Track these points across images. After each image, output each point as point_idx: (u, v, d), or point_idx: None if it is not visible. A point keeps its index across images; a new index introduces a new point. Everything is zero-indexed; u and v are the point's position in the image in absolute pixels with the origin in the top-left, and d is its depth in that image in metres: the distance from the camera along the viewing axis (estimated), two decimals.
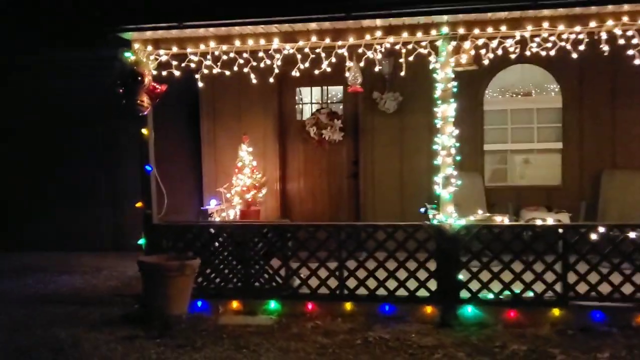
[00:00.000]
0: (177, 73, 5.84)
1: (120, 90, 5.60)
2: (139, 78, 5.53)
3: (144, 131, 5.86)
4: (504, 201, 7.50)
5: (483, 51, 5.67)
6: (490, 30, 5.33)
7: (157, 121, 8.57)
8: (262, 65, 5.87)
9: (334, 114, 8.20)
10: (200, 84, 5.91)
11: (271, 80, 5.97)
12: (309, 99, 8.55)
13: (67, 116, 8.96)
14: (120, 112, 8.74)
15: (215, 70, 5.88)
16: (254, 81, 6.05)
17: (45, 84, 8.97)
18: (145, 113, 5.73)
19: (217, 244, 5.86)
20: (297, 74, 5.80)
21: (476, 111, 7.84)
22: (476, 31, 5.35)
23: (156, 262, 5.57)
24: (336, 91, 8.42)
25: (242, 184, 7.57)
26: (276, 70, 5.84)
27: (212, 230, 5.96)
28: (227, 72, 5.97)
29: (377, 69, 6.07)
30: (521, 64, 7.50)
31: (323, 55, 5.67)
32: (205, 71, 5.85)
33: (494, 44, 5.52)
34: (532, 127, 7.96)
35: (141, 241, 6.00)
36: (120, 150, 8.88)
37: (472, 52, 5.43)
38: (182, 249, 5.92)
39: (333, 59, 5.71)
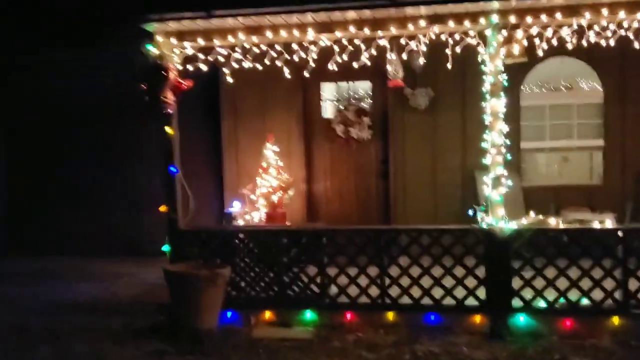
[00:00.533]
0: (203, 67, 5.45)
1: (143, 86, 5.22)
2: (163, 73, 5.16)
3: (168, 130, 5.48)
4: (542, 202, 7.08)
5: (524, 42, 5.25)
6: (543, 18, 4.92)
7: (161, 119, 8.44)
8: (296, 58, 5.47)
9: (361, 111, 7.81)
10: (229, 80, 5.51)
11: (306, 74, 5.57)
12: (333, 95, 8.13)
13: (78, 116, 8.60)
14: (138, 110, 8.56)
15: (246, 64, 5.47)
16: (288, 76, 5.69)
17: (45, 83, 8.63)
18: (170, 111, 5.35)
19: (246, 249, 5.47)
20: (334, 68, 5.42)
21: (513, 107, 7.40)
22: (529, 20, 4.94)
23: (185, 272, 5.20)
24: (363, 87, 8.01)
25: (267, 185, 7.19)
26: (312, 65, 5.46)
27: (242, 236, 5.57)
28: (259, 67, 5.57)
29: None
30: (560, 56, 7.09)
31: (363, 47, 5.28)
32: (235, 65, 5.45)
33: (548, 33, 5.11)
34: (571, 124, 7.55)
35: (165, 248, 5.62)
36: (136, 151, 8.51)
37: (525, 43, 5.01)
38: (210, 255, 5.54)
39: (366, 54, 5.32)
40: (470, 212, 5.52)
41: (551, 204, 6.89)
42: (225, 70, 5.47)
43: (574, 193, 7.34)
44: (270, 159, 7.27)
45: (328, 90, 8.11)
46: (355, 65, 5.43)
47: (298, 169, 7.81)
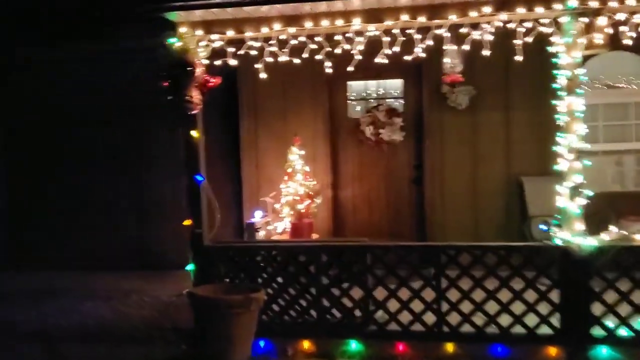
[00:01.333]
0: (233, 62, 4.76)
1: (166, 84, 4.54)
2: (189, 69, 4.47)
3: (194, 133, 4.79)
4: (598, 210, 6.42)
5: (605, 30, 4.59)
6: (632, 2, 4.27)
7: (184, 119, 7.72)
8: (338, 50, 4.79)
9: (393, 111, 7.14)
10: (262, 75, 4.80)
11: (350, 68, 4.87)
12: (361, 94, 7.45)
13: (82, 116, 7.86)
14: (149, 110, 7.92)
15: (282, 59, 4.78)
16: (314, 73, 4.97)
17: (46, 82, 7.88)
18: (195, 111, 4.66)
19: (279, 268, 4.79)
20: (384, 60, 4.72)
21: None
22: (613, 4, 4.29)
23: (214, 297, 4.51)
24: (394, 86, 7.34)
25: (293, 192, 6.50)
26: (357, 57, 4.77)
27: (274, 252, 4.88)
28: (297, 60, 4.88)
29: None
30: (614, 51, 6.43)
31: (419, 36, 4.59)
32: (270, 60, 4.76)
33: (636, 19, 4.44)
34: (628, 124, 6.90)
35: (189, 267, 4.93)
36: (145, 154, 7.78)
37: (609, 31, 4.35)
38: (238, 275, 4.85)
39: (394, 49, 4.64)
40: (543, 227, 4.86)
41: (611, 213, 6.24)
42: (258, 66, 4.76)
43: (632, 201, 6.69)
44: (296, 163, 6.59)
45: (355, 89, 7.42)
46: (385, 61, 4.75)
47: (323, 175, 7.12)
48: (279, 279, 4.85)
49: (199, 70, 4.49)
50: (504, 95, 6.83)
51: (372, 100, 7.33)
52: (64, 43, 7.12)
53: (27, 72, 7.89)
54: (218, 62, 4.77)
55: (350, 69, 4.77)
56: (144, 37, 5.50)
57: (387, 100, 7.29)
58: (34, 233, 7.96)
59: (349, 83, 7.33)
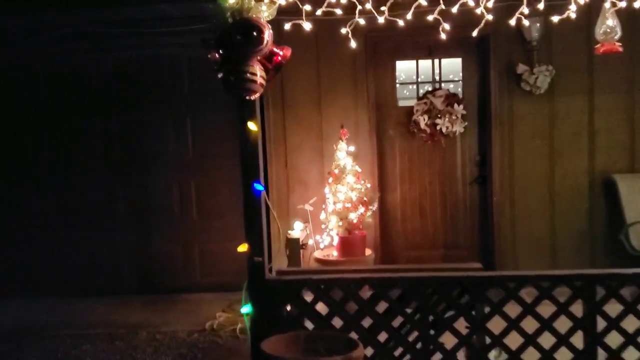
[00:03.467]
0: (306, 26, 3.44)
1: (217, 55, 3.20)
2: (254, 34, 3.13)
3: (252, 126, 3.44)
4: None
5: None
6: None
7: (196, 111, 6.32)
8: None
9: (453, 96, 5.92)
10: (353, 44, 3.49)
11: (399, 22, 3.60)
12: (412, 78, 6.20)
13: (66, 107, 6.38)
14: (146, 98, 6.47)
15: (381, 19, 3.48)
16: (354, 48, 3.70)
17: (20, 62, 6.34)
18: (256, 95, 3.33)
19: (367, 307, 3.50)
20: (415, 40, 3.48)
21: None
22: None
23: (296, 358, 3.19)
24: (452, 67, 6.12)
25: (343, 198, 5.23)
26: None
27: (352, 286, 3.58)
28: (401, 23, 3.58)
29: None
30: None
31: None
32: (362, 22, 3.45)
33: None
34: None
35: (246, 309, 3.59)
36: (146, 152, 6.35)
37: None
38: (312, 317, 3.56)
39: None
40: None
41: None
42: (346, 30, 3.45)
43: None
44: (345, 162, 5.32)
45: (405, 72, 6.17)
46: (443, 36, 3.54)
47: (367, 174, 5.84)
48: (366, 321, 3.57)
49: (267, 37, 3.15)
50: (587, 76, 5.70)
51: (425, 86, 6.09)
52: (41, 11, 5.61)
53: None
54: (287, 27, 3.43)
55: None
56: None
57: (443, 84, 6.06)
58: (4, 252, 6.41)
59: (399, 64, 6.06)
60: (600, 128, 5.71)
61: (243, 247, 3.51)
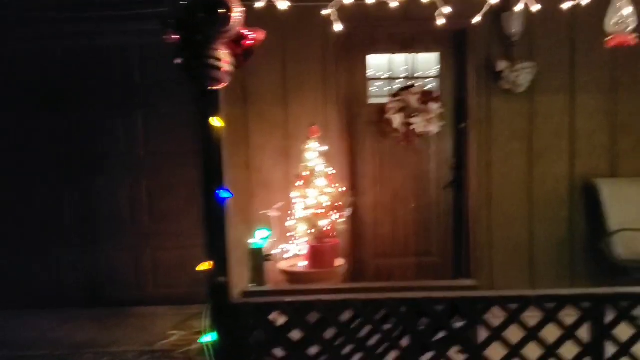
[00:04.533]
0: (283, 5, 2.96)
1: (176, 37, 2.70)
2: (221, 12, 2.64)
3: (215, 122, 2.94)
4: None
5: None
6: None
7: (149, 105, 5.74)
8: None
9: (429, 94, 5.52)
10: (338, 27, 3.03)
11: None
12: (385, 73, 5.77)
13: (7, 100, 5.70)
14: (93, 94, 5.85)
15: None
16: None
17: None
18: (221, 85, 2.83)
19: (351, 333, 3.06)
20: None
21: (637, 90, 5.44)
22: None
23: None
24: (426, 62, 5.73)
25: (313, 203, 4.77)
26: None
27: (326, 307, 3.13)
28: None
29: None
30: None
31: None
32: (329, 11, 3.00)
33: None
34: None
35: (207, 338, 3.08)
36: (94, 153, 5.72)
37: None
38: (288, 346, 3.08)
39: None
40: None
41: None
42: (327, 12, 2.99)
43: None
44: (314, 163, 4.86)
45: (377, 67, 5.74)
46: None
47: (338, 177, 5.36)
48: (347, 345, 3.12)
49: (237, 15, 2.66)
50: (568, 74, 5.40)
51: (398, 82, 5.68)
52: None
53: None
54: (260, 4, 2.95)
55: None
56: None
57: (418, 81, 5.65)
58: None
59: (370, 58, 5.63)
60: (581, 130, 5.42)
61: (204, 266, 3.00)
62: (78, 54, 5.58)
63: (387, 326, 3.08)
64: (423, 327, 3.05)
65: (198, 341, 3.24)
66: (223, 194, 2.95)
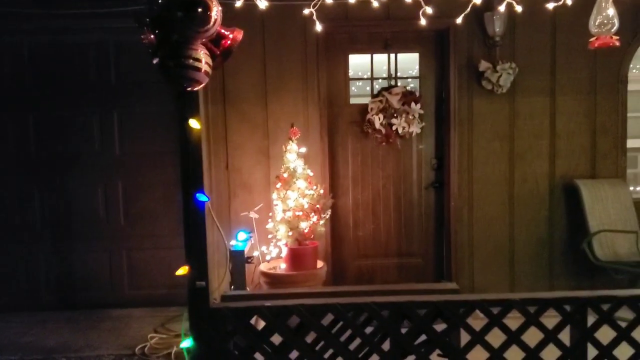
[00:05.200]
0: (262, 4, 2.89)
1: (153, 37, 2.62)
2: (199, 10, 2.57)
3: (194, 124, 2.87)
4: None
5: None
6: None
7: (124, 104, 5.63)
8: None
9: (410, 94, 5.50)
10: (318, 27, 2.98)
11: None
12: (366, 73, 5.74)
13: None
14: (80, 92, 5.72)
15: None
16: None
17: None
18: (200, 85, 2.76)
19: (333, 339, 3.01)
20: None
21: (615, 92, 5.47)
22: None
23: None
24: (407, 62, 5.71)
25: (293, 205, 4.71)
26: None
27: (312, 310, 3.08)
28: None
29: None
30: None
31: None
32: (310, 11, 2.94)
33: None
34: None
35: (186, 344, 3.01)
36: (67, 151, 5.59)
37: None
38: (267, 353, 3.02)
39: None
40: None
41: None
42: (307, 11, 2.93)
43: None
44: (295, 165, 4.80)
45: (359, 66, 5.70)
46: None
47: (319, 178, 5.34)
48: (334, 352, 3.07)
49: (215, 14, 2.59)
50: (549, 75, 5.41)
51: (379, 82, 5.64)
52: None
53: None
54: (239, 3, 2.88)
55: None
56: None
57: (400, 81, 5.62)
58: None
59: (352, 58, 5.58)
60: (561, 131, 5.44)
61: (183, 270, 2.93)
62: (50, 51, 5.44)
63: (369, 329, 3.04)
64: (405, 331, 3.01)
65: (179, 346, 3.15)
66: (201, 197, 2.87)
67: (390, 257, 5.68)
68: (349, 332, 3.05)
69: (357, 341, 3.04)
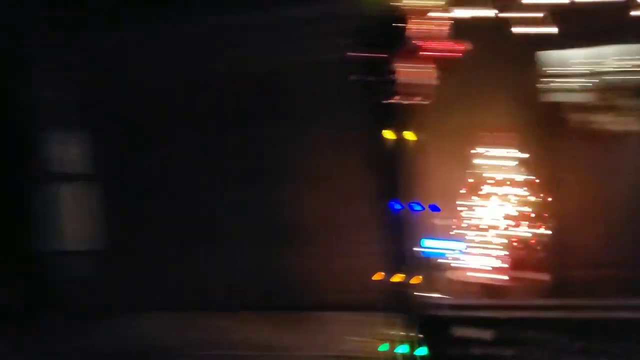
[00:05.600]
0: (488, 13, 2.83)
1: (360, 53, 2.71)
2: (404, 28, 2.58)
3: (408, 135, 2.89)
4: None
5: None
6: None
7: (322, 118, 5.82)
8: None
9: (627, 89, 4.97)
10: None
11: None
12: (561, 69, 5.32)
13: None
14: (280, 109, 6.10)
15: None
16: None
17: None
18: (416, 100, 2.76)
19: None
20: None
21: None
22: None
23: None
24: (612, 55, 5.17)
25: (507, 212, 4.49)
26: None
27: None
28: None
29: None
30: None
31: None
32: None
33: None
34: None
35: (421, 351, 2.98)
36: (275, 164, 6.03)
37: None
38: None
39: None
40: None
41: None
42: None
43: None
44: (505, 170, 4.60)
45: (553, 62, 5.30)
46: None
47: (535, 183, 4.99)
48: None
49: (412, 29, 2.58)
50: None
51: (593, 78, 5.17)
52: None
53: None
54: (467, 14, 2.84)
55: None
56: None
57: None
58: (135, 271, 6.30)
59: (563, 53, 5.19)
60: None
61: (398, 278, 2.95)
62: (258, 78, 5.88)
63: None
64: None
65: (379, 349, 3.13)
66: (415, 207, 2.88)
67: (616, 268, 5.14)
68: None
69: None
